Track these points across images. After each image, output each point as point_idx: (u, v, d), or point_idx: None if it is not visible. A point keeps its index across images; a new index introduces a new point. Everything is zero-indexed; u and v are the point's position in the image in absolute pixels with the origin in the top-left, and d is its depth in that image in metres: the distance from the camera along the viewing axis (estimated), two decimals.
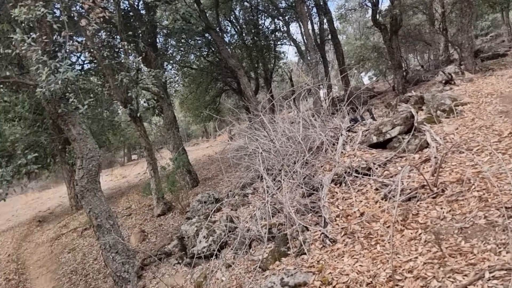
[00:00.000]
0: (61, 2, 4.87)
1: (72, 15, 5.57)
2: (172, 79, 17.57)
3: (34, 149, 11.17)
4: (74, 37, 6.56)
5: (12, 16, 4.48)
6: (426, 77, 20.66)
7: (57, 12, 6.66)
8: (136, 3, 11.35)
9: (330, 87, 19.45)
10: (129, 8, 11.41)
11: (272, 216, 5.43)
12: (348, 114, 8.46)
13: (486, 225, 3.59)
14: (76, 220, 13.19)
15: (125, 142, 15.86)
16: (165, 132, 13.52)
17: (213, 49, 19.96)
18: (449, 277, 3.21)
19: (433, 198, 4.34)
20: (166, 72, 14.07)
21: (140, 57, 6.82)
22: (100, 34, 9.21)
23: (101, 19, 5.64)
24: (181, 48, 18.66)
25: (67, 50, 4.56)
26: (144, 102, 13.95)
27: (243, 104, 24.73)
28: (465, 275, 3.16)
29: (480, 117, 5.97)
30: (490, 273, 3.05)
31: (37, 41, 4.60)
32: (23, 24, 5.34)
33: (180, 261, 6.29)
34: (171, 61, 17.65)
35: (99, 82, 11.39)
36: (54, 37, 5.95)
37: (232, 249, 5.50)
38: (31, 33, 4.65)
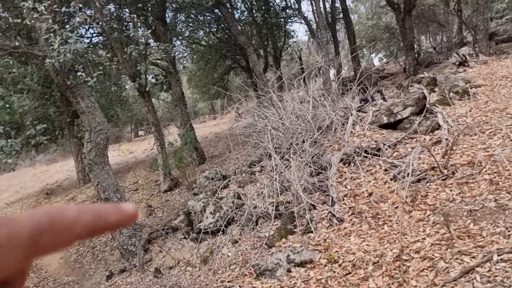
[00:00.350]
0: None
1: None
2: (181, 55, 17.41)
3: (43, 122, 11.22)
4: (83, 9, 6.49)
5: None
6: (439, 59, 20.29)
7: None
8: None
9: (340, 67, 19.23)
10: None
11: (280, 194, 5.44)
12: (358, 94, 8.36)
13: (496, 208, 3.56)
14: (83, 194, 13.34)
15: (132, 117, 15.84)
16: (173, 108, 13.49)
17: (222, 25, 19.68)
18: (456, 259, 3.20)
19: (443, 180, 4.31)
20: (174, 48, 13.91)
21: (149, 30, 6.75)
22: (109, 6, 9.07)
23: None
24: (190, 24, 18.42)
25: (78, 21, 4.50)
26: (152, 77, 13.86)
27: (252, 82, 24.59)
28: (473, 257, 3.15)
29: (494, 100, 5.86)
30: (498, 255, 3.04)
31: (48, 10, 4.54)
32: None
33: (187, 236, 6.36)
34: (180, 37, 17.45)
35: (107, 55, 11.30)
36: (63, 8, 5.89)
37: (238, 225, 5.53)
38: (42, 2, 4.59)
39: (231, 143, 16.76)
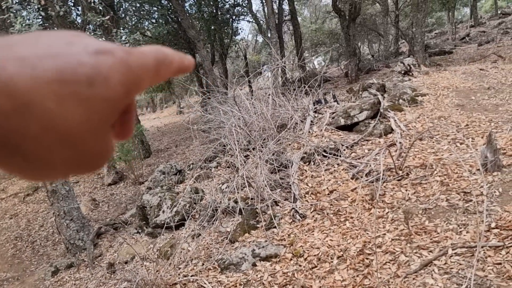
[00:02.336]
0: None
1: None
2: (128, 44, 16.79)
3: None
4: None
5: None
6: (378, 66, 21.50)
7: None
8: None
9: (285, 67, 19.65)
10: None
11: (241, 190, 5.49)
12: (306, 96, 8.64)
13: (448, 207, 3.91)
14: (15, 185, 12.42)
15: None
16: None
17: (170, 18, 19.28)
18: (415, 253, 3.47)
19: (398, 180, 4.63)
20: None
21: (108, 17, 6.50)
22: None
23: None
24: (138, 14, 17.86)
25: (40, 2, 4.22)
26: None
27: (196, 76, 24.33)
28: (430, 251, 3.43)
29: (439, 108, 6.38)
30: (452, 250, 3.34)
31: None
32: None
33: (140, 231, 6.20)
34: (127, 25, 16.84)
35: None
36: None
37: (197, 220, 5.51)
38: None
39: (177, 138, 16.54)
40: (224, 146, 7.27)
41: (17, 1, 4.48)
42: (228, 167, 6.67)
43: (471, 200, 3.85)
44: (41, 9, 5.27)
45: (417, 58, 13.79)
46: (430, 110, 6.42)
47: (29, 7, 4.74)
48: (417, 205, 4.09)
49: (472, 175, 4.25)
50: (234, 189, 5.42)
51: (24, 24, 4.24)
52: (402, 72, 9.44)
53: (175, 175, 6.98)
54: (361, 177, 4.73)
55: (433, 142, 5.16)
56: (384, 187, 4.58)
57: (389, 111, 6.28)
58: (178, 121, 27.11)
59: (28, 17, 4.37)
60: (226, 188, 5.78)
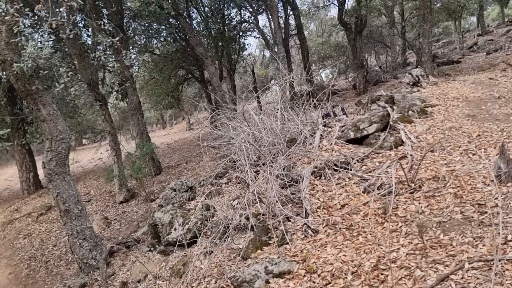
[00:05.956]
0: None
1: None
2: (137, 63, 17.08)
3: None
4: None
5: None
6: (385, 78, 21.48)
7: None
8: None
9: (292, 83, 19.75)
10: None
11: (252, 206, 5.48)
12: (315, 109, 8.66)
13: (463, 219, 3.85)
14: (29, 205, 12.55)
15: (89, 126, 15.27)
16: (129, 117, 13.17)
17: (178, 36, 19.57)
18: (431, 267, 3.42)
19: (411, 193, 4.59)
20: (133, 55, 13.65)
21: (117, 38, 6.62)
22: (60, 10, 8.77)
23: None
24: (147, 33, 18.18)
25: (51, 26, 4.33)
26: (107, 85, 13.46)
27: (206, 93, 24.55)
28: (447, 265, 3.37)
29: (449, 119, 6.35)
30: (469, 264, 3.28)
31: (20, 12, 4.33)
32: None
33: (152, 249, 6.20)
34: (136, 45, 17.15)
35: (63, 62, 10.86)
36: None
37: (209, 237, 5.50)
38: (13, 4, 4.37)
39: (188, 154, 16.62)
40: (234, 162, 7.29)
41: (28, 24, 4.60)
42: (239, 183, 6.67)
43: (486, 212, 3.79)
44: (52, 32, 5.36)
45: (425, 69, 13.75)
46: (440, 121, 6.38)
47: (41, 30, 4.86)
48: (431, 218, 4.04)
49: (486, 187, 4.20)
50: (245, 205, 5.41)
51: (35, 48, 4.35)
52: (411, 83, 9.43)
53: (186, 192, 7.00)
54: (373, 190, 4.70)
55: (445, 154, 5.12)
56: (397, 200, 4.54)
57: (398, 123, 6.26)
58: (187, 137, 27.26)
59: (39, 40, 4.49)
60: (237, 204, 5.78)
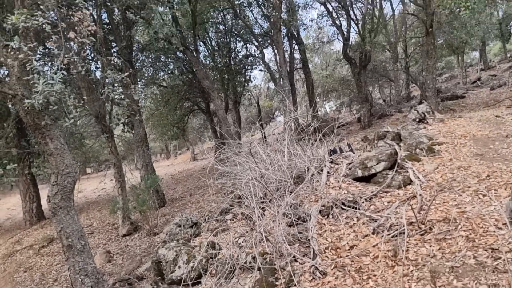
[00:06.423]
0: (59, 13, 4.72)
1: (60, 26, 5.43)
2: (144, 95, 17.32)
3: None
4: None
5: (10, 23, 4.28)
6: (390, 111, 21.59)
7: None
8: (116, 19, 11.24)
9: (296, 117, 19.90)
10: (109, 23, 11.27)
11: (257, 244, 5.38)
12: (321, 143, 8.65)
13: (476, 265, 3.75)
14: (31, 236, 12.42)
15: (94, 157, 15.34)
16: (135, 149, 13.21)
17: (185, 68, 19.92)
18: None
19: (421, 235, 4.49)
20: (140, 88, 13.84)
21: (127, 74, 6.72)
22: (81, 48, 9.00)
23: (89, 33, 5.54)
24: (152, 65, 18.55)
25: (63, 62, 4.41)
26: (115, 117, 13.60)
27: (210, 124, 24.74)
28: None
29: (457, 158, 6.30)
30: None
31: (33, 50, 4.42)
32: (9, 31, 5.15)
33: (155, 287, 6.05)
34: (143, 78, 17.47)
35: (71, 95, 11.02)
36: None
37: (214, 277, 5.37)
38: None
39: (191, 186, 16.55)
40: (240, 197, 7.23)
41: (41, 63, 4.69)
42: (244, 219, 6.59)
43: (500, 258, 3.70)
44: (64, 68, 5.44)
45: (430, 104, 13.81)
46: (448, 160, 6.33)
47: (53, 66, 4.94)
48: (443, 262, 3.94)
49: (499, 230, 4.11)
50: (252, 244, 5.31)
51: (47, 84, 4.41)
52: (417, 119, 9.44)
53: (191, 228, 6.91)
54: (382, 231, 4.61)
55: (455, 194, 5.05)
56: (407, 242, 4.44)
57: (406, 162, 6.22)
58: (192, 168, 27.26)
59: (52, 77, 4.55)
60: (243, 242, 5.68)
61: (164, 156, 49.55)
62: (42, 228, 13.20)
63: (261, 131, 22.70)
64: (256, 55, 22.32)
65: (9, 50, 5.26)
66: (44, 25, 4.36)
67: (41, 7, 4.73)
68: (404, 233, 4.54)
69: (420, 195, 5.09)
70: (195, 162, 32.56)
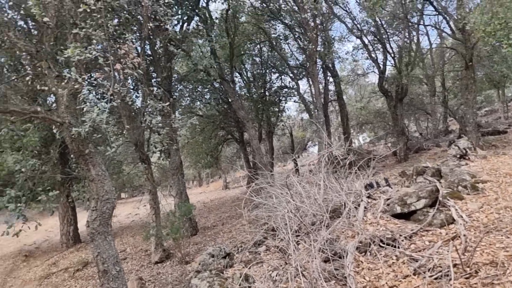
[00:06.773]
0: (109, 46, 4.99)
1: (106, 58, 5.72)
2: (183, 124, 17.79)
3: (33, 181, 10.94)
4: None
5: (66, 56, 4.56)
6: (427, 145, 21.04)
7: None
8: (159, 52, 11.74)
9: (330, 146, 19.71)
10: (151, 55, 11.78)
11: (292, 279, 5.27)
12: (357, 177, 8.49)
13: None
14: (66, 259, 12.70)
15: (129, 182, 15.71)
16: (170, 177, 13.45)
17: (221, 98, 20.38)
18: None
19: (466, 278, 4.26)
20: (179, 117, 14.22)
21: (168, 103, 6.94)
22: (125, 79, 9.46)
23: (134, 65, 5.81)
24: (192, 96, 19.11)
25: (113, 93, 4.62)
26: (152, 145, 13.98)
27: (244, 153, 24.95)
28: None
29: (504, 197, 6.01)
30: None
31: (84, 80, 4.67)
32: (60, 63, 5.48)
33: None
34: (180, 107, 17.98)
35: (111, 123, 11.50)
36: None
37: None
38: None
39: (223, 215, 16.55)
40: (273, 230, 7.16)
41: (93, 94, 4.95)
42: (278, 252, 6.49)
43: None
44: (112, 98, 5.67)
45: (470, 139, 13.38)
46: (494, 199, 6.06)
47: (98, 96, 5.19)
48: None
49: None
50: (286, 278, 5.21)
51: (98, 112, 4.63)
52: (458, 155, 9.15)
53: (223, 259, 6.86)
54: (424, 272, 4.42)
55: (502, 236, 4.80)
56: (451, 285, 4.23)
57: (448, 199, 6.00)
58: (224, 196, 27.32)
59: (104, 106, 4.78)
60: (276, 276, 5.58)
61: (197, 183, 50.03)
62: (77, 251, 13.48)
63: (295, 162, 22.64)
64: (291, 87, 22.57)
65: (61, 80, 5.60)
66: (98, 58, 4.60)
67: (93, 40, 5.02)
68: (448, 275, 4.33)
69: (464, 235, 4.87)
70: (227, 190, 32.66)
